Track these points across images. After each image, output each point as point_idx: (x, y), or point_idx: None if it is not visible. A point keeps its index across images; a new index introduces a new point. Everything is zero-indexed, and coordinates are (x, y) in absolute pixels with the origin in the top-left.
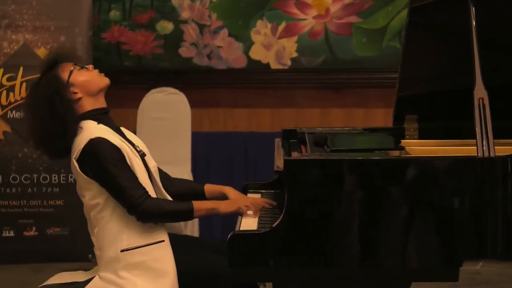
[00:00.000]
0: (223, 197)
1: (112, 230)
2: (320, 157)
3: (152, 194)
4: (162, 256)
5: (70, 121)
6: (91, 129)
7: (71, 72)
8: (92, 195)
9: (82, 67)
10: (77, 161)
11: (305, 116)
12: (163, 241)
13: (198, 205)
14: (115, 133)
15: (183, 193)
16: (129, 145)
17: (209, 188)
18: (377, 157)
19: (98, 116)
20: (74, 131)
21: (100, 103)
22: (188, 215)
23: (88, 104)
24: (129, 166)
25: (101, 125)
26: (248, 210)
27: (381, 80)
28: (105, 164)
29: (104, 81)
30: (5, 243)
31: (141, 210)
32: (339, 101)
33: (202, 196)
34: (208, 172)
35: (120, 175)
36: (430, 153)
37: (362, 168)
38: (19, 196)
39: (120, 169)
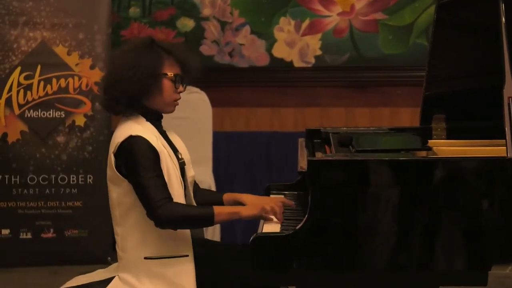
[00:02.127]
0: (240, 205)
1: (137, 234)
2: (345, 158)
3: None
4: (184, 271)
5: (132, 97)
6: (136, 125)
7: (174, 76)
8: (120, 193)
9: (177, 85)
10: (115, 156)
11: (329, 116)
12: (187, 256)
13: (218, 209)
14: (160, 136)
15: (203, 204)
16: (171, 151)
17: (227, 197)
18: (403, 157)
19: (151, 116)
20: (126, 105)
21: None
22: (208, 220)
23: (150, 104)
24: (161, 170)
25: (148, 124)
26: (272, 210)
27: (407, 78)
28: (137, 161)
29: (170, 110)
30: (22, 245)
31: (158, 214)
32: (365, 100)
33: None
34: (230, 173)
35: (147, 176)
36: (458, 154)
37: (388, 169)
38: (36, 197)
39: (150, 170)
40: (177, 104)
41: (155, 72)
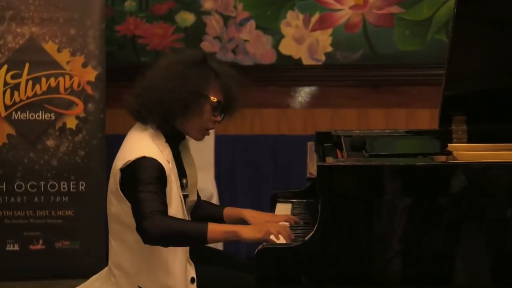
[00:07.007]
0: (242, 221)
1: (132, 258)
2: (357, 163)
3: None
4: None
5: (170, 111)
6: (152, 143)
7: (216, 103)
8: (120, 212)
9: (216, 113)
10: (122, 172)
11: (341, 117)
12: None
13: (213, 227)
14: (173, 161)
15: (201, 219)
16: (178, 182)
17: (228, 212)
18: (421, 162)
19: (172, 137)
20: (161, 118)
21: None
22: (200, 237)
23: (182, 124)
24: (164, 193)
25: (165, 145)
26: (279, 235)
27: (425, 77)
28: (142, 178)
29: (197, 137)
30: (9, 258)
31: (145, 226)
32: (379, 101)
33: (220, 222)
34: (233, 180)
35: (146, 190)
36: (480, 159)
37: (405, 175)
38: (24, 205)
39: (151, 187)
40: (207, 134)
41: (200, 92)
